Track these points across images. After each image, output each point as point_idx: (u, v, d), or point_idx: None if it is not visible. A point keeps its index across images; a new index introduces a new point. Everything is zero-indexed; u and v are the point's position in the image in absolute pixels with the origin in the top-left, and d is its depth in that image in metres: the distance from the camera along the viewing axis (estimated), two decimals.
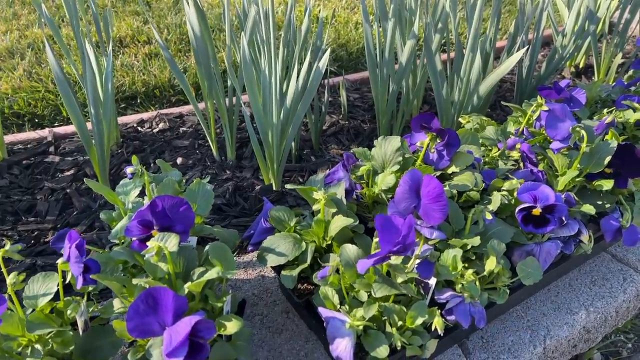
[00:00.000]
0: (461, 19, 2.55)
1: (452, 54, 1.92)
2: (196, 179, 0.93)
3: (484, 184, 0.97)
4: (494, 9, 1.43)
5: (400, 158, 0.99)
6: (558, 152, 1.04)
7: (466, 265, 0.89)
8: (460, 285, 0.83)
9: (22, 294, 0.77)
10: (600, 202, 1.05)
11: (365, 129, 1.72)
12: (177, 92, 1.91)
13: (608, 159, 1.00)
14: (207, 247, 0.80)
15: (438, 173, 1.00)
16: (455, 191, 0.94)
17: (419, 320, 0.77)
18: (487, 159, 1.12)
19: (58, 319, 0.77)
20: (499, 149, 1.14)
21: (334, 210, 0.92)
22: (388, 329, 0.77)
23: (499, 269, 0.84)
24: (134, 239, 0.79)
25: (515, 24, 1.58)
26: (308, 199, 0.96)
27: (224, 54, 2.01)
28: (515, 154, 1.11)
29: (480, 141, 1.14)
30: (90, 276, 0.71)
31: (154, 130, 1.65)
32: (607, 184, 1.00)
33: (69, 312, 0.73)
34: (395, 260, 0.81)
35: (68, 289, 0.84)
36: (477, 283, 0.83)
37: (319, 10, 2.74)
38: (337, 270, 0.83)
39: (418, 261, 0.81)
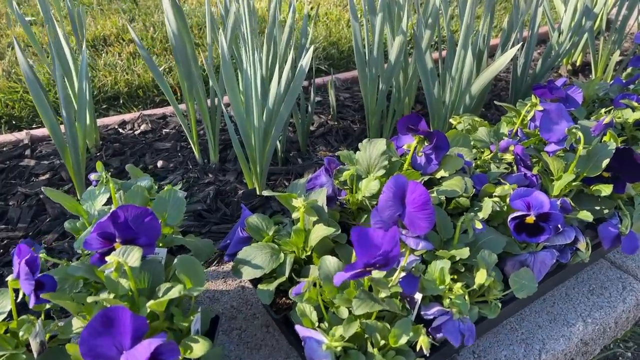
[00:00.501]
0: (456, 16, 2.50)
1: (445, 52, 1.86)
2: (167, 185, 0.87)
3: (474, 190, 0.92)
4: (487, 3, 1.37)
5: (386, 162, 0.93)
6: (553, 155, 0.99)
7: (455, 277, 0.83)
8: (448, 300, 0.77)
9: None
10: (598, 208, 0.99)
11: (355, 130, 1.66)
12: (161, 92, 1.85)
13: (606, 162, 0.94)
14: (175, 260, 0.75)
15: (426, 178, 0.94)
16: (443, 197, 0.89)
17: (403, 339, 0.71)
18: (479, 162, 1.06)
19: (12, 339, 0.71)
20: (491, 152, 1.08)
21: (315, 218, 0.86)
22: (370, 348, 0.71)
23: (489, 282, 0.78)
24: (94, 252, 0.73)
25: (510, 20, 1.52)
26: (288, 206, 0.90)
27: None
28: (508, 157, 1.05)
29: (472, 143, 1.08)
30: (41, 295, 0.65)
31: (136, 132, 1.59)
32: (606, 189, 0.94)
33: (21, 333, 0.67)
34: (378, 273, 0.75)
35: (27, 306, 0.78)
36: (467, 297, 0.77)
37: (310, 7, 2.68)
38: (316, 284, 0.77)
39: (404, 274, 0.75)
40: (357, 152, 0.98)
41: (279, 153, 1.47)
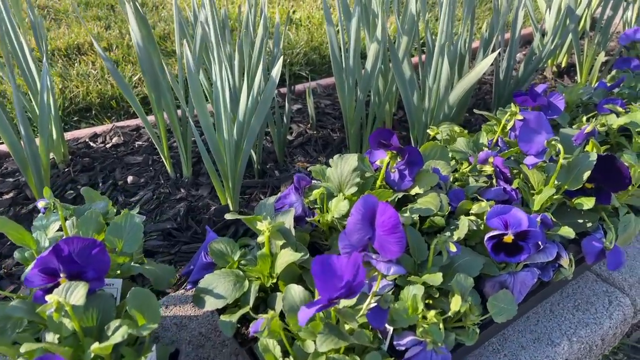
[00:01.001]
0: (436, 19, 2.45)
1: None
2: (124, 210, 0.82)
3: (450, 207, 0.87)
4: (467, 5, 1.32)
5: (358, 179, 0.88)
6: (533, 168, 0.94)
7: (430, 302, 0.78)
8: (421, 329, 0.72)
9: None
10: (581, 221, 0.95)
11: (335, 139, 1.61)
12: None
13: (587, 174, 0.90)
14: (128, 295, 0.69)
15: (400, 195, 0.89)
16: (416, 217, 0.84)
17: None
18: (457, 175, 1.02)
19: None
20: (470, 164, 1.04)
21: (282, 242, 0.81)
22: None
23: (465, 308, 0.73)
24: (37, 289, 0.67)
25: (490, 23, 1.48)
26: (254, 229, 0.85)
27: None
28: (488, 169, 1.01)
29: (450, 155, 1.04)
30: None
31: (107, 146, 1.53)
32: (588, 202, 0.90)
33: None
34: (347, 301, 0.70)
35: None
36: (441, 325, 0.72)
37: (293, 11, 2.63)
38: (281, 315, 0.72)
39: (375, 300, 0.70)
40: (328, 168, 0.93)
41: (255, 165, 1.42)
